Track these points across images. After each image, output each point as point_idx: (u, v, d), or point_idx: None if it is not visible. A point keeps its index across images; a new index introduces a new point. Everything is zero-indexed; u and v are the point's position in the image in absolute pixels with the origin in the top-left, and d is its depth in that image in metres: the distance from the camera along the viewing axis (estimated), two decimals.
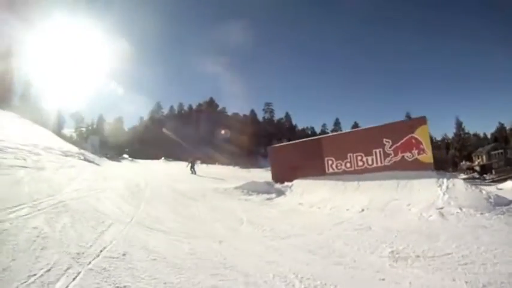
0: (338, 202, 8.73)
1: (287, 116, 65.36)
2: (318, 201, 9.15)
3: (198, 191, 10.60)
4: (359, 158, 11.02)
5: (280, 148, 15.28)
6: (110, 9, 57.34)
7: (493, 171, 53.77)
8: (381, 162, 10.73)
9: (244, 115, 61.89)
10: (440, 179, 9.04)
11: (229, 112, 64.34)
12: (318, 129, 67.92)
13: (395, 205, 7.90)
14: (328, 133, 64.61)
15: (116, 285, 2.94)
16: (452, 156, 65.94)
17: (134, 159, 32.50)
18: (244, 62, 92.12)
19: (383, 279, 3.38)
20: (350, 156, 11.19)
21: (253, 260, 4.09)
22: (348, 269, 3.78)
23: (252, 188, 11.02)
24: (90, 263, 3.35)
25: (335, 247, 4.63)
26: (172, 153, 40.55)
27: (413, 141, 10.50)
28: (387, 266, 3.81)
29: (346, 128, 64.64)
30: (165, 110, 64.21)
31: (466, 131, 67.77)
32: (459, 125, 66.42)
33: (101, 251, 3.76)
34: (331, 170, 11.58)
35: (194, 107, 62.53)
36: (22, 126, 20.35)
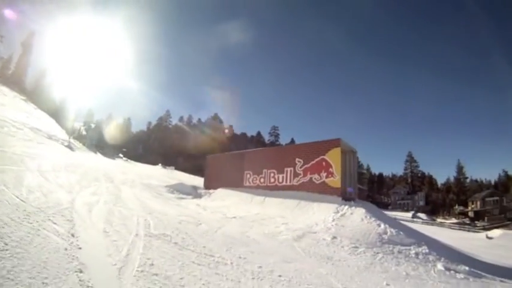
0: (230, 210, 9.63)
1: (292, 141, 67.93)
2: (215, 206, 10.14)
3: (128, 181, 12.08)
4: (272, 174, 11.83)
5: (214, 158, 16.46)
6: (131, 10, 63.51)
7: (486, 218, 53.68)
8: (290, 181, 11.35)
9: (252, 136, 65.53)
10: (342, 206, 9.24)
11: (238, 131, 68.73)
12: None
13: (272, 221, 8.36)
14: None
15: None
16: (450, 200, 65.55)
17: (129, 160, 34.74)
18: (257, 87, 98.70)
19: (114, 241, 4.23)
20: (265, 172, 12.08)
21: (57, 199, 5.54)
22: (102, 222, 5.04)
23: (178, 189, 12.60)
24: None
25: (131, 219, 5.81)
26: (174, 162, 42.65)
27: (324, 163, 10.77)
28: (132, 235, 4.71)
29: None
30: (174, 119, 68.87)
31: (467, 175, 70.10)
32: (460, 169, 68.37)
33: None
34: (247, 184, 12.55)
35: (203, 120, 67.01)
36: (22, 108, 23.16)
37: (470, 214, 59.78)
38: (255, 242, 6.22)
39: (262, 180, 12.22)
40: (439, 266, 6.42)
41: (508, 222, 49.84)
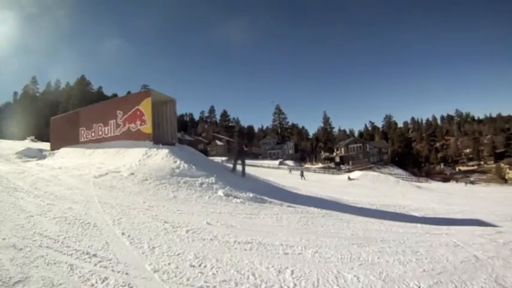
0: (63, 163, 10.76)
1: None
2: (52, 163, 11.32)
3: None
4: (99, 128, 13.57)
5: (56, 120, 17.25)
6: None
7: (351, 162, 65.64)
8: (113, 132, 12.98)
9: (122, 96, 65.65)
10: (151, 149, 10.55)
11: (109, 93, 69.63)
12: (196, 116, 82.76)
13: (90, 167, 9.34)
14: (205, 120, 74.88)
15: None
16: (319, 148, 78.10)
17: None
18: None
19: None
20: (95, 126, 13.76)
21: None
22: None
23: (25, 153, 14.58)
24: None
25: None
26: (45, 133, 42.30)
27: (138, 113, 12.09)
28: None
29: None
30: (42, 86, 64.36)
31: (334, 126, 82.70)
32: (326, 119, 79.90)
33: None
34: (82, 139, 14.27)
35: (72, 84, 63.89)
36: None
37: (337, 159, 70.89)
38: (59, 180, 7.26)
39: (93, 134, 14.01)
40: (220, 192, 7.09)
41: (372, 165, 62.84)
